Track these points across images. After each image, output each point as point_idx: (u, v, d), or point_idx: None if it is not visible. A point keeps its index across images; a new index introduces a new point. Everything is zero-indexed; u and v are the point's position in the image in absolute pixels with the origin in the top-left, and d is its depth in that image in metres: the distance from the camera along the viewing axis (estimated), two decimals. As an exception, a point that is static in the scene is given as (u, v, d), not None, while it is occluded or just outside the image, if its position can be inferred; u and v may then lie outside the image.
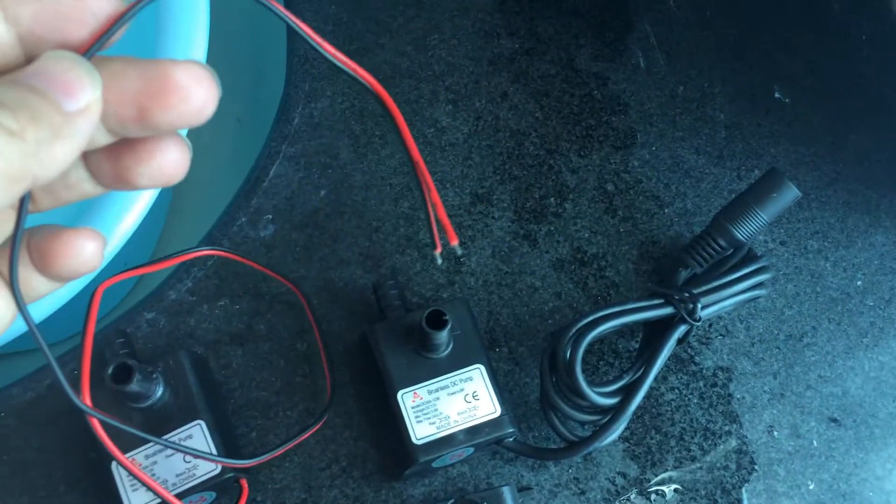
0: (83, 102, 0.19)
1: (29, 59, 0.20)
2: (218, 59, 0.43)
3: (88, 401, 0.30)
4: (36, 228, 0.23)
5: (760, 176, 0.38)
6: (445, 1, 0.48)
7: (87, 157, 0.22)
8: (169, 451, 0.34)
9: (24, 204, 0.21)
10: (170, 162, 0.22)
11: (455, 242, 0.27)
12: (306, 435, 0.36)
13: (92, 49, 0.20)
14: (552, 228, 0.43)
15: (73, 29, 0.20)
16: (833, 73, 0.46)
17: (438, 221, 0.26)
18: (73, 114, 0.19)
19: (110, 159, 0.22)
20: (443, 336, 0.34)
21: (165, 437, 0.34)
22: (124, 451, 0.34)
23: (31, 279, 0.23)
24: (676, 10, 0.48)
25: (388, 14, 0.47)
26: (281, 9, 0.22)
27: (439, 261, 0.27)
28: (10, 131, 0.18)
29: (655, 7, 0.48)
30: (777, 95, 0.46)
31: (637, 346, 0.40)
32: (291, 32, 0.49)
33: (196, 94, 0.20)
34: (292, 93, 0.46)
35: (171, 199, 0.58)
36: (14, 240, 0.21)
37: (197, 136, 0.60)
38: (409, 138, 0.25)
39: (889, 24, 0.48)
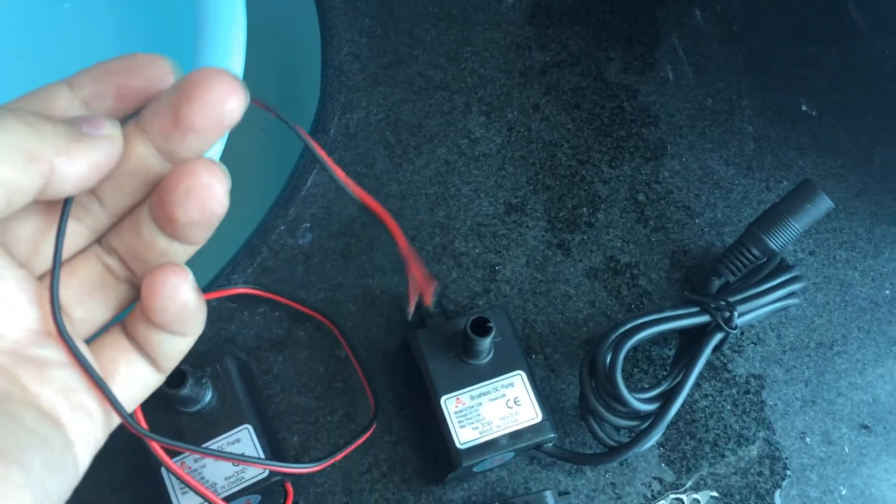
0: (104, 131, 0.21)
1: None
2: (255, 70, 0.44)
3: (142, 419, 0.30)
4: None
5: (794, 187, 0.39)
6: (477, 14, 0.49)
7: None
8: (217, 455, 0.35)
9: (66, 207, 0.22)
10: (207, 195, 0.22)
11: (429, 301, 0.29)
12: (359, 441, 0.37)
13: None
14: (585, 238, 0.43)
15: (130, 85, 0.22)
16: (858, 87, 0.47)
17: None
18: (93, 135, 0.21)
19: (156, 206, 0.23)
20: (486, 342, 0.35)
21: (214, 440, 0.35)
22: (173, 455, 0.35)
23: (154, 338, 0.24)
24: (704, 25, 0.49)
25: (421, 27, 0.48)
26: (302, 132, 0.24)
27: (409, 318, 0.30)
28: (28, 122, 0.20)
29: (683, 21, 0.49)
30: (804, 108, 0.47)
31: (670, 353, 0.40)
32: (326, 45, 0.50)
33: (221, 94, 0.21)
34: (328, 104, 0.47)
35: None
36: (56, 254, 0.22)
37: (232, 146, 0.61)
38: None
39: (912, 39, 0.49)
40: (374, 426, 0.38)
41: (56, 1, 0.56)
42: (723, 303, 0.37)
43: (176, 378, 0.33)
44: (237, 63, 0.43)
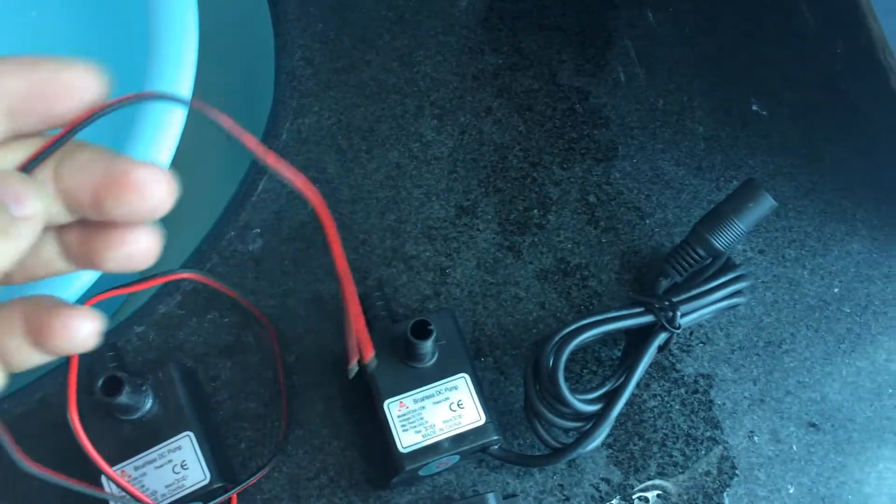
0: (30, 210, 0.21)
1: (14, 132, 0.22)
2: (208, 75, 0.44)
3: (76, 414, 0.30)
4: (31, 298, 0.24)
5: (737, 186, 0.39)
6: (430, 19, 0.49)
7: (61, 235, 0.24)
8: (158, 463, 0.35)
9: None
10: (138, 250, 0.23)
11: (369, 357, 0.30)
12: (258, 476, 0.37)
13: (36, 160, 0.22)
14: (536, 240, 0.43)
15: (59, 106, 0.22)
16: (809, 86, 0.48)
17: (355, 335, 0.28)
18: (19, 219, 0.21)
19: (81, 241, 0.23)
20: (427, 346, 0.35)
21: (155, 448, 0.35)
22: (113, 463, 0.35)
23: (22, 350, 0.23)
24: (656, 26, 0.49)
25: (374, 32, 0.48)
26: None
27: (351, 375, 0.30)
28: None
29: (635, 23, 0.49)
30: (755, 108, 0.47)
31: (619, 354, 0.40)
32: (279, 50, 0.50)
33: (153, 191, 0.22)
34: (280, 109, 0.47)
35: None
36: None
37: (186, 152, 0.61)
38: (338, 247, 0.26)
39: (863, 38, 0.49)
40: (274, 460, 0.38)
41: (22, 9, 0.56)
42: (666, 303, 0.37)
43: (112, 385, 0.33)
44: (188, 71, 0.43)
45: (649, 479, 0.39)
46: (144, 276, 0.29)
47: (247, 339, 0.41)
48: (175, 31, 0.44)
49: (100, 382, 0.33)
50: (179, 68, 0.44)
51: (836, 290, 0.43)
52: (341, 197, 0.44)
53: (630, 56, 0.48)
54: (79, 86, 0.22)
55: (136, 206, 0.21)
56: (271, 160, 0.24)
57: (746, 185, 0.39)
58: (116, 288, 0.28)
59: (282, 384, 0.40)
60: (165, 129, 0.42)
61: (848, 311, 0.42)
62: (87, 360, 0.39)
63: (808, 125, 0.47)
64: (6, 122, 0.22)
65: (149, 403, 0.35)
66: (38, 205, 0.21)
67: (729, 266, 0.39)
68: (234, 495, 0.36)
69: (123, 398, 0.33)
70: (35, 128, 0.22)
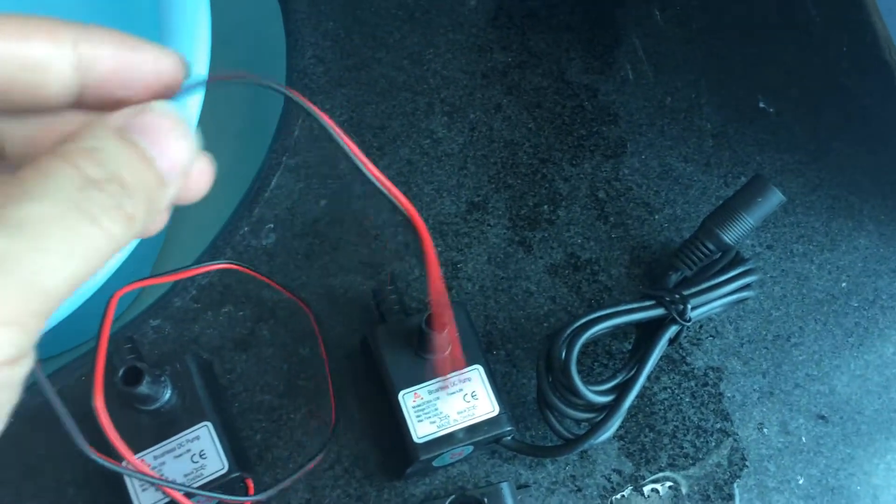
0: (178, 170, 0.19)
1: (78, 99, 0.20)
2: (214, 72, 0.44)
3: (101, 402, 0.31)
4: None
5: (746, 182, 0.40)
6: (440, 17, 0.49)
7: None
8: (177, 452, 0.35)
9: None
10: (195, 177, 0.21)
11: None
12: (312, 465, 0.37)
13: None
14: (546, 235, 0.44)
15: (140, 87, 0.20)
16: (815, 83, 0.48)
17: None
18: (170, 191, 0.19)
19: None
20: (442, 337, 0.35)
21: (174, 438, 0.35)
22: (133, 452, 0.35)
23: None
24: (663, 24, 0.49)
25: (384, 30, 0.49)
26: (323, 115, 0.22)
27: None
28: (131, 217, 0.18)
29: (643, 21, 0.49)
30: (762, 105, 0.47)
31: (630, 347, 0.41)
32: (290, 49, 0.50)
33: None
34: (292, 106, 0.47)
35: (172, 210, 0.59)
36: None
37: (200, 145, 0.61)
38: (435, 269, 0.27)
39: (868, 36, 0.50)
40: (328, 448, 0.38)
41: (30, 10, 0.57)
42: (677, 296, 0.37)
43: (132, 376, 0.33)
44: (202, 68, 0.44)
45: (660, 470, 0.39)
46: (179, 268, 0.30)
47: (261, 333, 0.41)
48: (187, 28, 0.45)
49: (120, 373, 0.33)
50: (193, 66, 0.44)
51: (843, 284, 0.43)
52: (354, 193, 0.45)
53: (638, 54, 0.49)
54: (165, 72, 0.20)
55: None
56: (373, 172, 0.23)
57: (755, 180, 0.39)
58: (152, 277, 0.28)
59: (327, 370, 0.40)
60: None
61: (856, 305, 0.43)
62: (107, 360, 0.40)
63: (815, 122, 0.47)
64: (75, 90, 0.20)
65: (167, 394, 0.35)
66: (188, 160, 0.19)
67: (738, 260, 0.39)
68: (251, 483, 0.36)
69: (143, 388, 0.33)
70: (99, 103, 0.20)
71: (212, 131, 0.61)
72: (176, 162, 0.19)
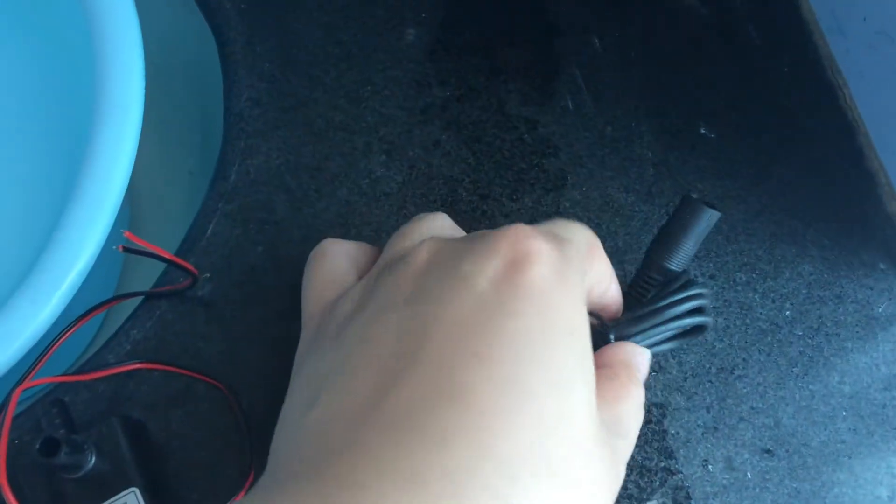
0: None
1: None
2: (169, 113, 0.44)
3: (5, 480, 0.30)
4: None
5: (677, 205, 0.38)
6: (377, 53, 0.49)
7: None
8: (104, 518, 0.34)
9: None
10: None
11: None
12: None
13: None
14: (486, 273, 0.43)
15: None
16: (756, 106, 0.48)
17: None
18: None
19: None
20: None
21: (100, 505, 0.34)
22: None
23: None
24: (602, 52, 0.49)
25: (320, 69, 0.48)
26: None
27: None
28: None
29: (582, 50, 0.49)
30: (703, 131, 0.47)
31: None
32: (227, 90, 0.50)
33: None
34: (228, 150, 0.46)
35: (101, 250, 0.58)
36: None
37: (151, 188, 0.61)
38: None
39: (810, 56, 0.49)
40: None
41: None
42: (599, 323, 0.36)
43: (50, 447, 0.32)
44: (135, 115, 0.43)
45: (604, 512, 0.39)
46: (93, 367, 0.30)
47: (197, 388, 0.40)
48: (120, 75, 0.44)
49: (37, 444, 0.32)
50: (125, 116, 0.44)
51: (787, 312, 0.43)
52: (291, 238, 0.44)
53: (577, 83, 0.48)
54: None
55: None
56: None
57: (684, 202, 0.38)
58: (62, 376, 0.28)
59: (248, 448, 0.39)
60: (116, 167, 0.42)
61: (800, 333, 0.42)
62: (35, 415, 0.39)
63: (756, 146, 0.47)
64: None
65: (92, 460, 0.34)
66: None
67: (685, 285, 0.38)
68: (184, 549, 0.36)
69: (62, 458, 0.33)
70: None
71: (164, 168, 0.60)
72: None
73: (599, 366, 0.30)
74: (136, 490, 0.35)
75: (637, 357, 0.33)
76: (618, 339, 0.36)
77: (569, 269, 0.28)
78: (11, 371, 0.38)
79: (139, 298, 0.44)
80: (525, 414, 0.24)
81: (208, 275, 0.43)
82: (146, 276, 0.57)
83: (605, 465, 0.26)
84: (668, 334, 0.37)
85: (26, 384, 0.35)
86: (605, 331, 0.36)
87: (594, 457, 0.25)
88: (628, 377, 0.31)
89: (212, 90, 0.56)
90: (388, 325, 0.28)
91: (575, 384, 0.26)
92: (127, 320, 0.43)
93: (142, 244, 0.38)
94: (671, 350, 0.42)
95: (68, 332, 0.40)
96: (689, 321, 0.38)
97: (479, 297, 0.26)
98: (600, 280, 0.33)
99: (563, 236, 0.30)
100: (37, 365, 0.39)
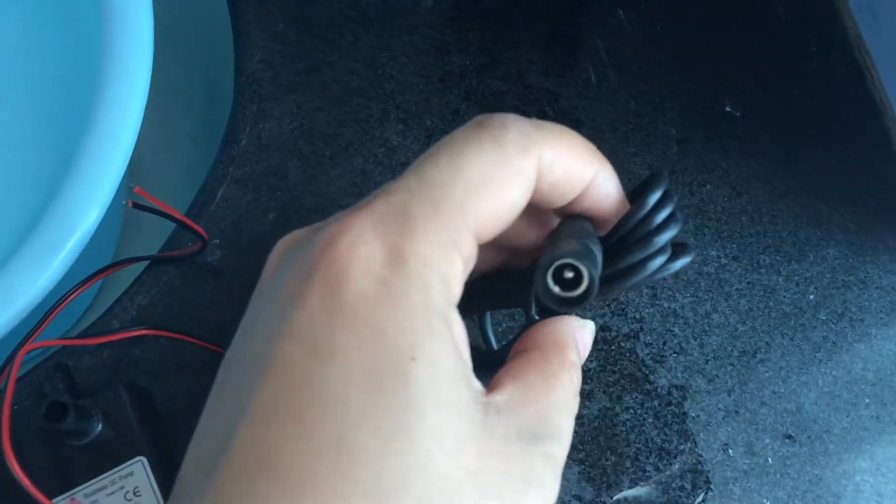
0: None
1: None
2: (170, 76, 0.42)
3: (9, 447, 0.29)
4: None
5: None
6: (395, 18, 0.47)
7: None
8: (110, 490, 0.33)
9: None
10: None
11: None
12: None
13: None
14: (505, 248, 0.42)
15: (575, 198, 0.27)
16: (783, 85, 0.46)
17: None
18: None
19: None
20: None
21: (106, 474, 0.33)
22: (64, 489, 0.33)
23: None
24: (627, 25, 0.47)
25: (337, 32, 0.47)
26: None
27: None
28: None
29: (606, 21, 0.47)
30: (728, 109, 0.46)
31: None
32: (239, 50, 0.48)
33: None
34: (239, 114, 0.45)
35: (124, 214, 0.57)
36: None
37: (152, 153, 0.59)
38: None
39: (838, 36, 0.48)
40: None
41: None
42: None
43: (56, 412, 0.31)
44: (144, 73, 0.42)
45: (622, 493, 0.38)
46: (96, 332, 0.29)
47: (205, 356, 0.39)
48: (129, 27, 0.43)
49: (43, 409, 0.31)
50: (134, 67, 0.42)
51: (811, 297, 0.42)
52: (304, 205, 0.43)
53: (600, 56, 0.47)
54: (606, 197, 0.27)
55: None
56: None
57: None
58: (63, 339, 0.27)
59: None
60: (121, 130, 0.41)
61: (824, 318, 0.42)
62: (36, 380, 0.37)
63: (782, 126, 0.46)
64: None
65: (98, 427, 0.33)
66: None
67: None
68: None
69: (69, 424, 0.31)
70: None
71: (164, 131, 0.58)
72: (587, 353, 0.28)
73: (522, 350, 0.26)
74: (144, 459, 0.33)
75: (572, 335, 0.26)
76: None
77: (406, 264, 0.22)
78: (12, 334, 0.36)
79: (143, 264, 0.43)
80: (357, 480, 0.19)
81: (217, 241, 0.42)
82: (144, 245, 0.56)
83: (516, 489, 0.21)
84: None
85: (30, 345, 0.34)
86: (525, 301, 0.28)
87: (488, 491, 0.21)
88: (560, 363, 0.25)
89: (218, 49, 0.54)
90: (235, 359, 0.25)
91: (425, 421, 0.20)
92: (132, 285, 0.41)
93: (152, 201, 0.36)
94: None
95: (74, 294, 0.38)
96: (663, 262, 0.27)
97: (298, 336, 0.21)
98: (564, 170, 0.25)
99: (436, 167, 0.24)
100: (40, 326, 0.37)
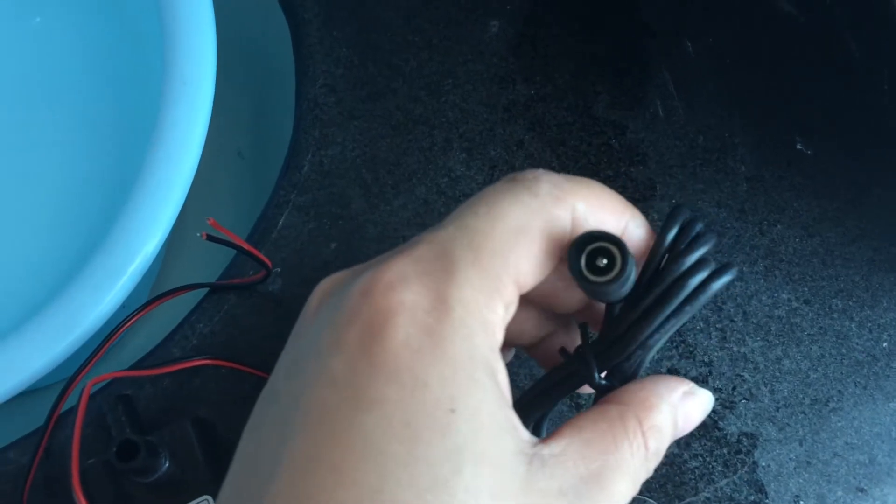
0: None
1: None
2: (219, 87, 0.42)
3: (79, 487, 0.28)
4: None
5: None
6: (459, 45, 0.47)
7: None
8: (174, 528, 0.33)
9: None
10: None
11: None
12: None
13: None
14: (570, 284, 0.41)
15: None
16: (855, 123, 0.45)
17: None
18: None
19: None
20: None
21: (171, 512, 0.33)
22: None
23: None
24: (695, 57, 0.47)
25: (400, 58, 0.46)
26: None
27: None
28: None
29: (674, 54, 0.47)
30: (799, 146, 0.45)
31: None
32: (300, 76, 0.47)
33: None
34: (301, 139, 0.44)
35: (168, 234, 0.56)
36: None
37: (202, 184, 0.58)
38: None
39: (911, 73, 0.47)
40: None
41: (25, 15, 0.54)
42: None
43: (127, 450, 0.30)
44: (207, 91, 0.41)
45: (690, 545, 0.37)
46: (161, 363, 0.28)
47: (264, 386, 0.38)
48: (193, 52, 0.42)
49: (114, 448, 0.30)
50: (197, 88, 0.42)
51: (885, 344, 0.41)
52: (367, 235, 0.42)
53: (668, 89, 0.46)
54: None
55: None
56: None
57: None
58: (132, 370, 0.26)
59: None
60: (181, 162, 0.41)
61: (897, 367, 0.40)
62: (98, 412, 0.37)
63: (855, 166, 0.44)
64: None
65: (165, 464, 0.33)
66: None
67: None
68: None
69: (139, 462, 0.31)
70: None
71: (210, 145, 0.57)
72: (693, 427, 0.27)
73: (603, 402, 0.25)
74: (209, 498, 0.33)
75: (667, 397, 0.24)
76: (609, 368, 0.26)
77: (451, 312, 0.21)
78: (65, 363, 0.36)
79: (203, 291, 0.42)
80: None
81: (279, 269, 0.41)
82: (188, 271, 0.55)
83: None
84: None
85: (95, 378, 0.33)
86: (585, 364, 0.26)
87: None
88: (637, 422, 0.23)
89: (276, 68, 0.54)
90: (274, 399, 0.25)
91: (462, 474, 0.20)
92: (191, 313, 0.41)
93: (224, 233, 0.36)
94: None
95: (132, 319, 0.38)
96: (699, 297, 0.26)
97: (335, 384, 0.21)
98: (597, 220, 0.24)
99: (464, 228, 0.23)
100: (97, 354, 0.37)
